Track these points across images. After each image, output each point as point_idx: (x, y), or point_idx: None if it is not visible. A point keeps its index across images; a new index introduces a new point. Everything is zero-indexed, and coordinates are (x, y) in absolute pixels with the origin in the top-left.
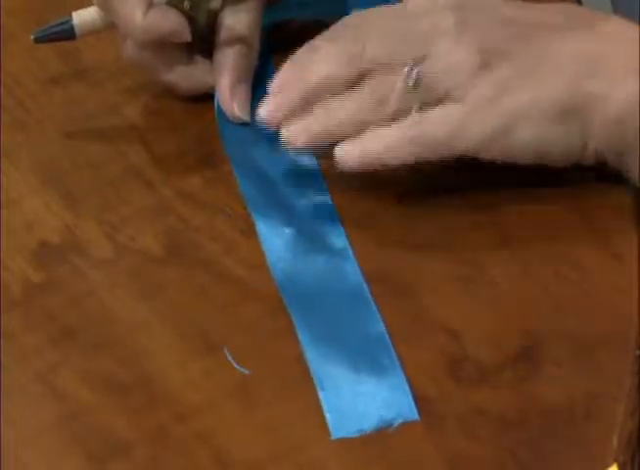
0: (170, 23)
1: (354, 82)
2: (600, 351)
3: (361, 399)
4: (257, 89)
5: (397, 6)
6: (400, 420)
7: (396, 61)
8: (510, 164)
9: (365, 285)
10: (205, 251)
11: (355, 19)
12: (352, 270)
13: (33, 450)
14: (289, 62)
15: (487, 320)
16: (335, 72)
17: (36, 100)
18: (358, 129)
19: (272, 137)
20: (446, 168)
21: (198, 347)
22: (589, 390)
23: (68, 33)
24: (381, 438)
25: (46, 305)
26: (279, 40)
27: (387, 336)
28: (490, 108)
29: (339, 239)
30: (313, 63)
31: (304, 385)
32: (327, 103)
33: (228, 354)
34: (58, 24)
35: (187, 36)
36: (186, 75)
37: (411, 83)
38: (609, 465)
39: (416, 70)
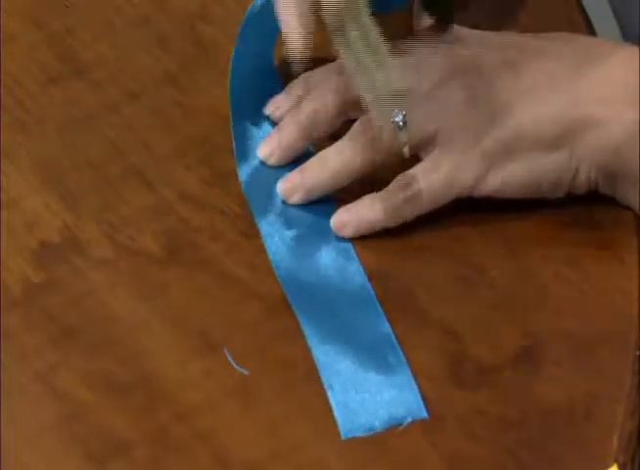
0: None
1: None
2: (600, 351)
3: (369, 398)
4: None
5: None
6: (409, 419)
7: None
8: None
9: (370, 285)
10: (204, 251)
11: None
12: (356, 270)
13: (33, 450)
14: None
15: (487, 320)
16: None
17: (36, 100)
18: (351, 179)
19: None
20: None
21: (198, 347)
22: (589, 390)
23: None
24: (381, 438)
25: (46, 305)
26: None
27: (393, 336)
28: (478, 147)
29: (342, 240)
30: (307, 99)
31: (304, 385)
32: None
33: (228, 355)
34: None
35: None
36: None
37: (398, 122)
38: (609, 465)
39: (402, 110)
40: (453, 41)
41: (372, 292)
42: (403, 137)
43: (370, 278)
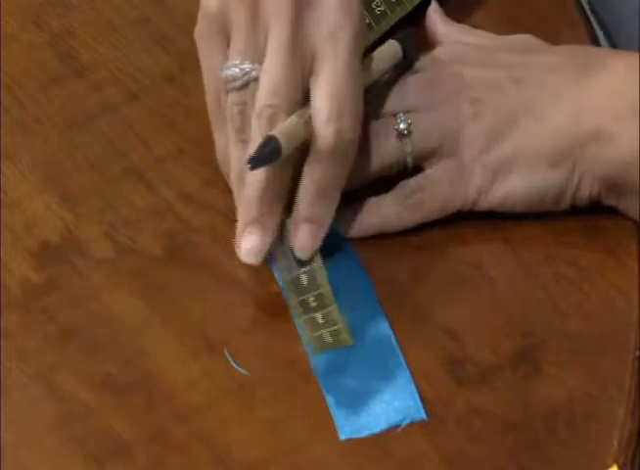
0: None
1: None
2: (600, 351)
3: (368, 400)
4: None
5: None
6: (408, 420)
7: (388, 110)
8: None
9: (372, 286)
10: (204, 251)
11: None
12: (358, 271)
13: (33, 451)
14: None
15: (487, 321)
16: None
17: (36, 100)
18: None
19: None
20: None
21: (198, 347)
22: (589, 390)
23: (275, 155)
24: (381, 438)
25: (46, 305)
26: None
27: (393, 337)
28: (481, 160)
29: (343, 241)
30: None
31: (304, 385)
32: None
33: (228, 355)
34: (263, 147)
35: None
36: None
37: (403, 130)
38: (609, 465)
39: (407, 119)
40: (462, 59)
41: (374, 292)
42: (407, 147)
43: (370, 278)
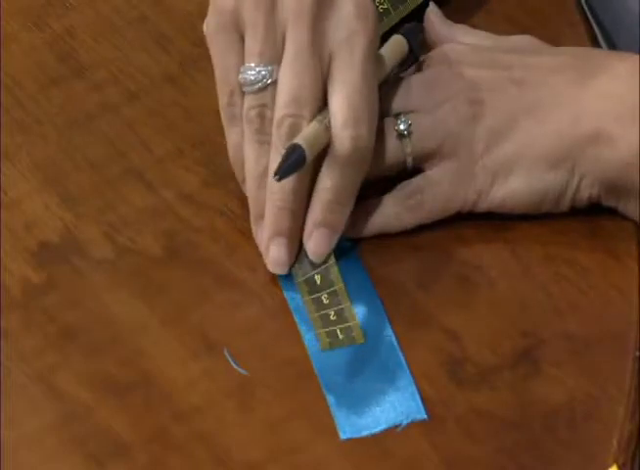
0: None
1: None
2: (600, 351)
3: (369, 400)
4: None
5: None
6: (408, 420)
7: (388, 111)
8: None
9: (372, 286)
10: (204, 252)
11: None
12: (359, 272)
13: (33, 451)
14: None
15: (487, 321)
16: None
17: (36, 100)
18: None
19: None
20: None
21: (198, 347)
22: (589, 390)
23: (300, 163)
24: (380, 439)
25: (46, 305)
26: None
27: (394, 337)
28: (481, 161)
29: (345, 241)
30: None
31: (304, 385)
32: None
33: (228, 356)
34: (289, 156)
35: None
36: None
37: (403, 131)
38: (609, 465)
39: (407, 120)
40: (462, 60)
41: (374, 292)
42: (407, 148)
43: (370, 278)
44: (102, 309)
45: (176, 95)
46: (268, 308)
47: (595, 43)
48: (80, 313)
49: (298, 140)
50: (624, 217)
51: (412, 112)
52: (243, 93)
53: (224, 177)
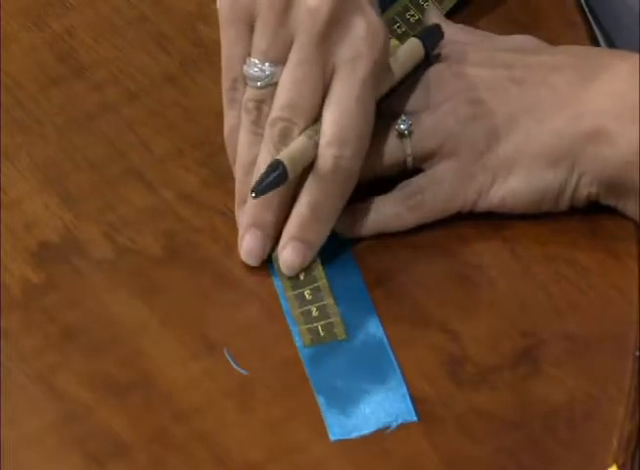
0: None
1: None
2: (600, 351)
3: (359, 401)
4: None
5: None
6: (399, 422)
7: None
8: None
9: (365, 286)
10: (204, 252)
11: None
12: (352, 271)
13: (33, 451)
14: None
15: (487, 321)
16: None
17: (36, 100)
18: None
19: None
20: None
21: (198, 347)
22: (589, 390)
23: (281, 180)
24: (380, 439)
25: (46, 305)
26: None
27: (385, 339)
28: (482, 161)
29: (338, 240)
30: None
31: (304, 385)
32: None
33: (228, 355)
34: (269, 173)
35: None
36: None
37: (403, 131)
38: (608, 465)
39: (408, 120)
40: (462, 59)
41: (367, 293)
42: (407, 148)
43: (368, 278)
44: (102, 309)
45: (176, 95)
46: (268, 308)
47: (595, 43)
48: (80, 313)
49: (282, 156)
50: (624, 217)
51: (412, 112)
52: (245, 81)
53: (224, 177)
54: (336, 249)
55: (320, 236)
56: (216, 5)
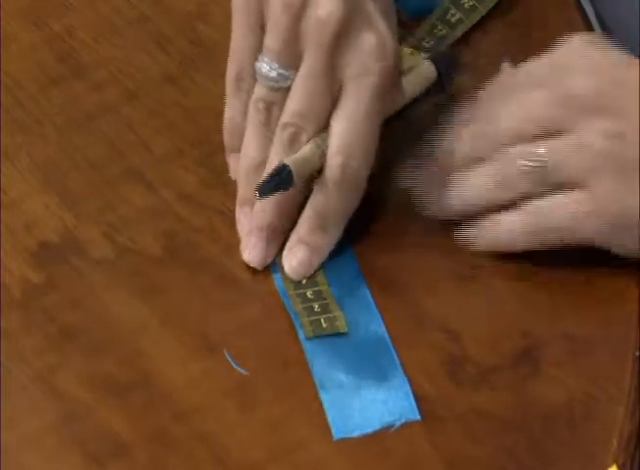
0: None
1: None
2: (600, 351)
3: (362, 399)
4: None
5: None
6: (402, 420)
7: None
8: None
9: (366, 286)
10: (204, 251)
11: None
12: (353, 271)
13: (33, 451)
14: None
15: (487, 321)
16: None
17: (36, 100)
18: (480, 208)
19: None
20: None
21: (198, 347)
22: (589, 390)
23: (287, 183)
24: (380, 438)
25: (46, 305)
26: None
27: (387, 338)
28: (614, 199)
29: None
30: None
31: (304, 385)
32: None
33: (228, 355)
34: (275, 175)
35: None
36: None
37: (537, 163)
38: (608, 465)
39: (543, 150)
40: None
41: (368, 292)
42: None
43: (368, 278)
44: (102, 309)
45: (176, 95)
46: (268, 308)
47: None
48: (80, 313)
49: (288, 160)
50: None
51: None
52: (252, 73)
53: (224, 177)
54: (336, 248)
55: (326, 243)
56: (216, 5)
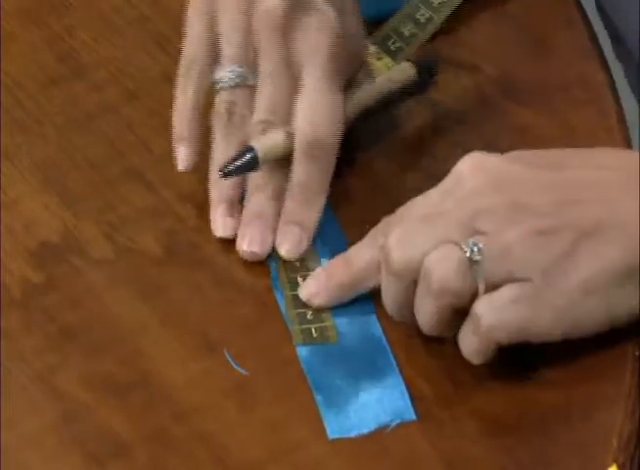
0: None
1: None
2: (599, 351)
3: (358, 400)
4: None
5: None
6: (398, 421)
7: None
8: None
9: None
10: (204, 251)
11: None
12: None
13: (33, 451)
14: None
15: None
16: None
17: (36, 100)
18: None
19: None
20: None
21: (197, 347)
22: (588, 390)
23: (252, 165)
24: (379, 438)
25: (46, 305)
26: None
27: (384, 338)
28: (558, 286)
29: (339, 242)
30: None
31: (303, 385)
32: None
33: (228, 355)
34: (240, 156)
35: None
36: None
37: (474, 258)
38: (608, 465)
39: (476, 247)
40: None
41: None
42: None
43: None
44: (102, 309)
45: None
46: (268, 308)
47: (594, 43)
48: (80, 313)
49: (254, 143)
50: None
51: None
52: (203, 60)
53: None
54: (334, 250)
55: (312, 218)
56: None
